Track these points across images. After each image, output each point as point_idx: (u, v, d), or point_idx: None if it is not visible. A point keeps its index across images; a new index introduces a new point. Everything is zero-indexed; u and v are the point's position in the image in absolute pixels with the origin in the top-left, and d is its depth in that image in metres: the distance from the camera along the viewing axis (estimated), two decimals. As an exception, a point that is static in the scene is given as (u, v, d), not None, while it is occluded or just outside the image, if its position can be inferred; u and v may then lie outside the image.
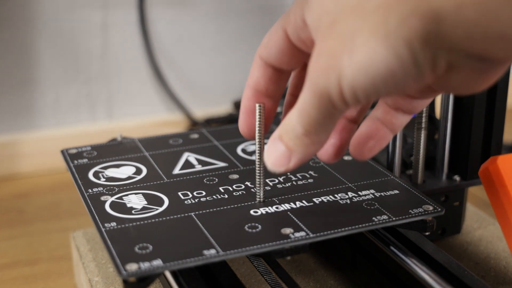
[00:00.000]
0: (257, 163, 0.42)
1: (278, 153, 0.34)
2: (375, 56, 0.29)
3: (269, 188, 0.45)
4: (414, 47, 0.28)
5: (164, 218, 0.41)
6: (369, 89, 0.30)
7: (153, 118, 0.87)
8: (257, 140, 0.41)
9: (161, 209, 0.42)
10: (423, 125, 0.50)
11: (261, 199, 0.43)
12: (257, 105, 0.39)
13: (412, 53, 0.28)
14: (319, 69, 0.31)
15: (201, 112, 0.88)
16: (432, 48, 0.28)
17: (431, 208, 0.42)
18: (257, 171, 0.42)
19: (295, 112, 0.33)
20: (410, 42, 0.28)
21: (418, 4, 0.28)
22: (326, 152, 0.38)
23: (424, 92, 0.35)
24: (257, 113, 0.40)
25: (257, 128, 0.40)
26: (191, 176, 0.47)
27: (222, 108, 0.88)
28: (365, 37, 0.29)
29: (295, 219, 0.41)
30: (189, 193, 0.44)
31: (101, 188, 0.45)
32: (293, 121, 0.33)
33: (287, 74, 0.39)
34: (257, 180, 0.42)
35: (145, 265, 0.36)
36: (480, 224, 0.57)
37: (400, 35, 0.28)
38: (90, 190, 0.45)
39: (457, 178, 0.52)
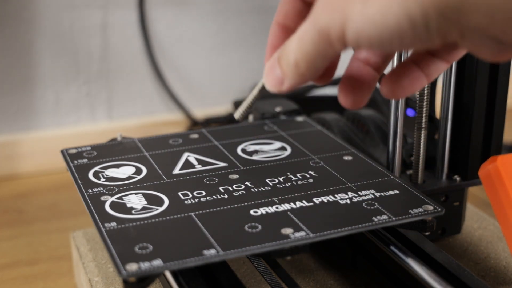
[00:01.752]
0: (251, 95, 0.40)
1: (274, 75, 0.36)
2: (388, 13, 0.29)
3: (269, 188, 0.45)
4: (429, 15, 0.28)
5: (164, 218, 0.41)
6: (374, 41, 0.30)
7: (153, 118, 0.87)
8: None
9: (161, 209, 0.42)
10: (423, 125, 0.50)
11: (239, 118, 0.41)
12: (260, 83, 0.38)
13: (425, 20, 0.29)
14: (325, 6, 0.31)
15: (201, 112, 0.88)
16: (447, 21, 0.28)
17: (431, 208, 0.42)
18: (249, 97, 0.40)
19: (294, 40, 0.34)
20: (426, 9, 0.28)
21: None
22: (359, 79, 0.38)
23: (448, 49, 0.35)
24: (258, 89, 0.38)
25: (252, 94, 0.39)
26: (191, 176, 0.47)
27: (222, 108, 0.88)
28: None
29: (295, 219, 0.41)
30: (189, 193, 0.44)
31: (101, 188, 0.45)
32: (290, 48, 0.34)
33: None
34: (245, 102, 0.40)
35: (145, 265, 0.36)
36: (480, 224, 0.57)
37: (418, 0, 0.28)
38: (90, 190, 0.45)
39: (457, 178, 0.52)
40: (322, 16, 0.31)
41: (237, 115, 0.41)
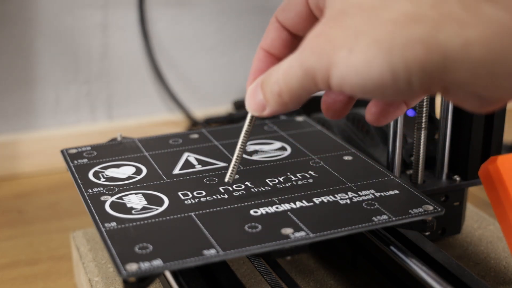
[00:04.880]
0: (236, 154, 0.42)
1: (256, 100, 0.36)
2: (372, 64, 0.29)
3: (269, 188, 0.45)
4: (412, 71, 0.29)
5: (164, 218, 0.41)
6: (356, 89, 0.31)
7: (153, 118, 0.87)
8: (240, 141, 0.42)
9: (161, 209, 0.42)
10: (423, 125, 0.50)
11: (230, 180, 0.43)
12: (249, 114, 0.40)
13: (408, 75, 0.29)
14: (313, 48, 0.32)
15: (201, 112, 0.88)
16: (430, 77, 0.29)
17: (431, 208, 0.42)
18: (235, 157, 0.42)
19: (280, 70, 0.34)
20: (409, 66, 0.29)
21: (426, 36, 0.28)
22: (333, 107, 0.39)
23: None
24: (248, 121, 0.40)
25: (242, 133, 0.41)
26: (191, 176, 0.47)
27: (222, 108, 0.88)
28: (369, 42, 0.29)
29: (295, 219, 0.41)
30: (189, 193, 0.44)
31: (101, 188, 0.45)
32: (274, 77, 0.35)
33: (300, 41, 0.39)
34: (233, 165, 0.43)
35: (145, 265, 0.36)
36: (480, 224, 0.57)
37: (402, 55, 0.28)
38: (90, 190, 0.45)
39: (457, 178, 0.52)
40: (310, 58, 0.32)
41: (227, 178, 0.43)
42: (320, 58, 0.31)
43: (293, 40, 0.39)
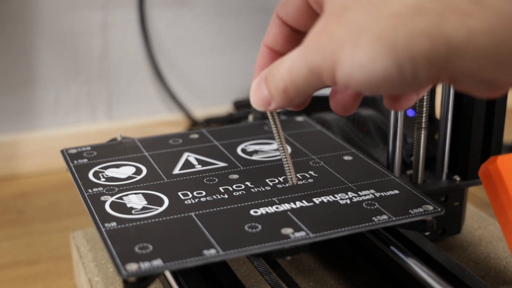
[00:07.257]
0: (282, 155, 0.44)
1: (261, 95, 0.37)
2: (377, 60, 0.29)
3: (269, 188, 0.45)
4: (418, 63, 0.29)
5: (164, 218, 0.41)
6: (362, 85, 0.31)
7: (153, 118, 0.87)
8: (277, 141, 0.43)
9: (161, 209, 0.42)
10: (423, 125, 0.50)
11: (294, 182, 0.45)
12: (268, 113, 0.41)
13: (414, 68, 0.29)
14: (317, 46, 0.32)
15: (201, 112, 0.88)
16: (437, 68, 0.29)
17: (431, 208, 0.42)
18: (284, 161, 0.44)
19: (284, 66, 0.34)
20: (415, 58, 0.29)
21: (430, 27, 0.28)
22: (342, 102, 0.39)
23: None
24: (272, 119, 0.41)
25: (275, 132, 0.42)
26: (191, 176, 0.47)
27: (222, 108, 0.88)
28: (372, 38, 0.29)
29: (295, 219, 0.41)
30: (189, 193, 0.44)
31: (101, 188, 0.45)
32: (279, 73, 0.35)
33: (303, 36, 0.39)
34: (286, 167, 0.44)
35: (145, 265, 0.36)
36: (480, 224, 0.57)
37: (407, 49, 0.29)
38: (90, 190, 0.45)
39: (457, 178, 0.52)
40: (314, 56, 0.32)
41: (291, 182, 0.45)
42: (325, 56, 0.31)
43: (295, 35, 0.39)
